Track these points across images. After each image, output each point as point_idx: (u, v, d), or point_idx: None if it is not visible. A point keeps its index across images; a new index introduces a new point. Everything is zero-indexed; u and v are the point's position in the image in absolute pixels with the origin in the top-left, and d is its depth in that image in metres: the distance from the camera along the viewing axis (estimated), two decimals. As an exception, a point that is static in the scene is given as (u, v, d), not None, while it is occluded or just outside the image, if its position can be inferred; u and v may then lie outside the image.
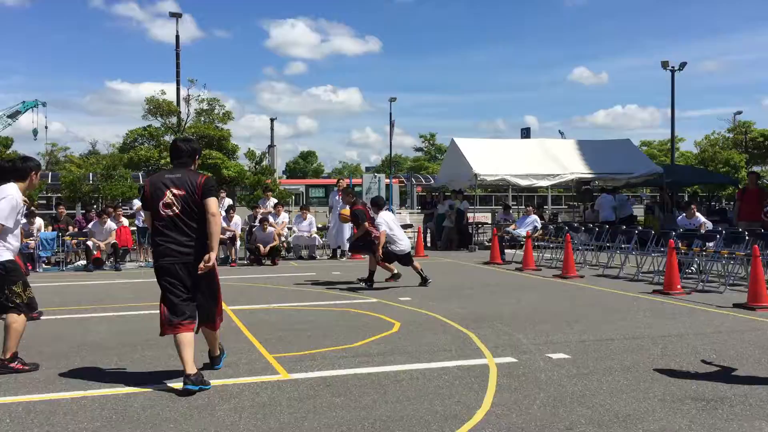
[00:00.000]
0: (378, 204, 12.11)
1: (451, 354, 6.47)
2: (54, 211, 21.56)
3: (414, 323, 8.09)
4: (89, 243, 15.46)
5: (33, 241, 15.46)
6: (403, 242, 11.98)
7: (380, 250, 11.53)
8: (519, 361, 6.15)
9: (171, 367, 5.93)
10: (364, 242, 11.92)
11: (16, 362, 5.82)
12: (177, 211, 5.46)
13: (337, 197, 18.01)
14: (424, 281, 11.71)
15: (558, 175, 20.89)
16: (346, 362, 6.13)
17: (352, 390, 5.23)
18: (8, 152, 30.00)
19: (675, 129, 31.73)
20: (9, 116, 63.66)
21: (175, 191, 5.47)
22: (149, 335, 7.34)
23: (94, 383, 5.45)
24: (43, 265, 15.60)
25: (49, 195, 39.83)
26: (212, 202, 5.49)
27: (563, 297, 10.41)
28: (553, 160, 21.43)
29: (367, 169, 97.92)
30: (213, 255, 5.49)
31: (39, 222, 16.21)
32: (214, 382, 5.43)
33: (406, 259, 11.94)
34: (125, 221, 16.93)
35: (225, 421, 4.53)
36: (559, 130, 74.91)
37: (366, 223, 11.83)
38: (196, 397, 5.05)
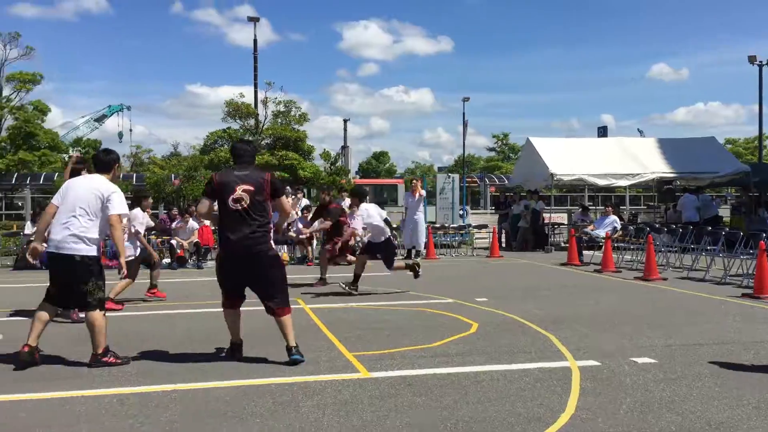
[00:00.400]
0: (358, 194, 11.39)
1: (531, 356, 6.38)
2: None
3: (491, 324, 8.02)
4: (173, 242, 15.98)
5: (120, 240, 16.08)
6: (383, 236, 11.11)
7: (335, 248, 11.00)
8: (602, 365, 6.01)
9: (255, 363, 6.08)
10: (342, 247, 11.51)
11: (108, 356, 6.06)
12: (246, 205, 5.88)
13: (410, 197, 18.06)
14: (415, 273, 11.00)
15: (638, 174, 20.33)
16: (425, 362, 6.13)
17: (433, 390, 5.24)
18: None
19: (763, 126, 30.35)
20: (96, 120, 66.51)
21: (244, 187, 5.91)
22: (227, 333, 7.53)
23: (182, 377, 5.64)
24: (130, 262, 16.21)
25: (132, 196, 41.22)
26: (285, 201, 6.15)
27: (645, 299, 10.12)
28: (632, 159, 20.86)
29: (440, 169, 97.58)
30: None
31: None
32: (295, 379, 5.53)
33: (386, 253, 11.08)
34: (207, 221, 17.42)
35: (309, 417, 4.61)
36: (638, 129, 72.60)
37: (341, 219, 11.57)
38: (279, 393, 5.15)
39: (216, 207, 6.08)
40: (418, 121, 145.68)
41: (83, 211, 6.03)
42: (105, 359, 6.03)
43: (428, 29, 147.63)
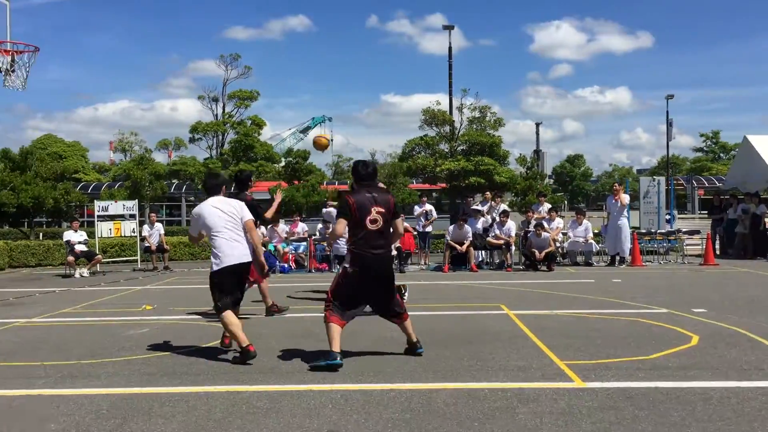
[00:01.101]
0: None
1: (765, 373, 5.86)
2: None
3: (715, 337, 7.46)
4: (376, 246, 16.61)
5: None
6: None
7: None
8: None
9: (471, 368, 6.15)
10: None
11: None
12: (380, 225, 6.33)
13: (613, 201, 17.33)
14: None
15: None
16: (643, 374, 5.85)
17: (656, 404, 4.98)
18: (306, 163, 33.47)
19: None
20: (301, 131, 70.86)
21: (378, 209, 6.33)
22: (442, 335, 7.71)
23: (399, 376, 5.85)
24: (337, 265, 17.10)
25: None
26: (400, 222, 6.70)
27: None
28: None
29: (639, 172, 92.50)
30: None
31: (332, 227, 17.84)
32: (508, 385, 5.52)
33: None
34: (408, 226, 17.94)
35: (527, 424, 4.58)
36: None
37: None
38: (494, 398, 5.17)
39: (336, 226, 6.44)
40: (615, 122, 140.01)
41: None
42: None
43: (625, 25, 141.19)
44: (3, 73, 8.36)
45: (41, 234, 25.39)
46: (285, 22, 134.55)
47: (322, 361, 6.19)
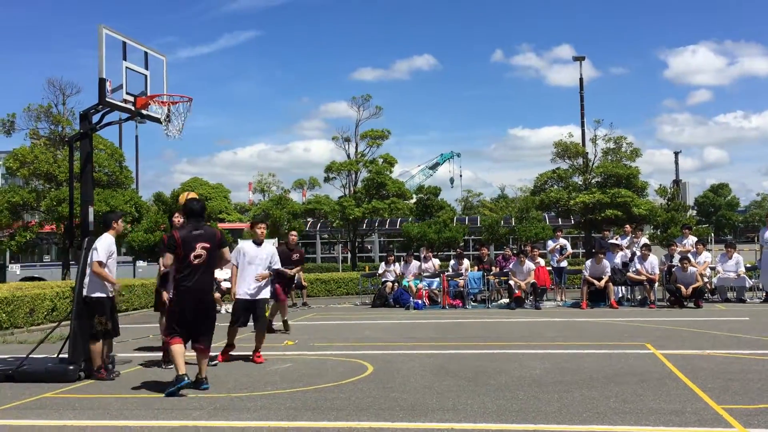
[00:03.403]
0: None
1: None
2: (477, 252, 23.32)
3: None
4: (511, 282, 16.37)
5: (462, 280, 17.00)
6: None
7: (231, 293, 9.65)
8: None
9: (618, 410, 5.90)
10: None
11: (100, 372, 7.87)
12: (203, 259, 7.27)
13: (767, 233, 16.18)
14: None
15: None
16: (814, 422, 5.37)
17: (832, 455, 4.56)
18: (437, 199, 33.72)
19: None
20: (430, 168, 71.53)
21: (203, 245, 7.26)
22: (585, 374, 7.45)
23: (542, 417, 5.70)
24: (471, 302, 17.00)
25: (466, 237, 43.23)
26: (226, 251, 7.58)
27: None
28: None
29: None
30: None
31: (466, 263, 17.77)
32: (663, 430, 5.24)
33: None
34: (542, 261, 17.56)
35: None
36: None
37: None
38: (646, 443, 4.92)
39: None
40: (763, 149, 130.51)
41: None
42: (97, 373, 7.96)
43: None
44: (162, 123, 9.02)
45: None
46: (411, 62, 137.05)
47: (171, 387, 6.86)
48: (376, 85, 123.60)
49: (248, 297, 8.99)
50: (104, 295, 7.96)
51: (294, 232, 12.99)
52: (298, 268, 12.71)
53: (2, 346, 11.30)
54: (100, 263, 7.83)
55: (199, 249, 7.14)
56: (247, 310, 9.06)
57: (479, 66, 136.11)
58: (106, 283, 7.94)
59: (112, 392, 7.22)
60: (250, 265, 9.01)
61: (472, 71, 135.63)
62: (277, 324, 12.15)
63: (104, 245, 7.93)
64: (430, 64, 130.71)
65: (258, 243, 9.22)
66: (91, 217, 8.69)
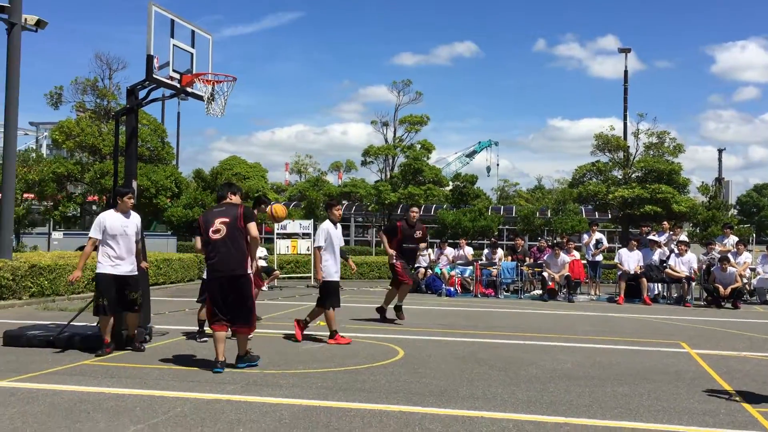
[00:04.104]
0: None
1: None
2: (512, 242, 23.21)
3: None
4: (545, 274, 16.28)
5: (495, 269, 16.94)
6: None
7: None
8: None
9: (651, 407, 5.86)
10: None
11: (108, 347, 7.77)
12: (223, 234, 7.17)
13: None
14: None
15: None
16: None
17: None
18: (474, 187, 33.56)
19: None
20: (467, 155, 71.25)
21: (222, 219, 7.16)
22: (618, 370, 7.40)
23: (573, 411, 5.69)
24: (504, 292, 16.95)
25: (501, 227, 42.96)
26: (251, 226, 7.21)
27: None
28: None
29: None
30: None
31: (500, 252, 17.70)
32: (695, 429, 5.20)
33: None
34: (577, 254, 17.41)
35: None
36: None
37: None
38: (677, 442, 4.88)
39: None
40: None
41: None
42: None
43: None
44: (205, 101, 9.13)
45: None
46: (452, 48, 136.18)
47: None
48: (416, 71, 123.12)
49: (338, 278, 9.11)
50: (100, 272, 7.76)
51: (415, 208, 11.92)
52: (424, 244, 12.63)
53: (44, 313, 11.63)
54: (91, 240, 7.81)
55: (217, 224, 7.06)
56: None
57: (521, 55, 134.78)
58: (99, 260, 7.79)
59: (149, 363, 7.39)
60: (337, 246, 9.10)
61: (514, 60, 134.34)
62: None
63: (95, 222, 7.90)
64: (472, 51, 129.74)
65: (335, 223, 9.23)
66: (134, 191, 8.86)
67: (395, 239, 10.99)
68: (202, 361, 7.54)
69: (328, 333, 9.03)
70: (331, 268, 8.96)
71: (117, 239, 7.73)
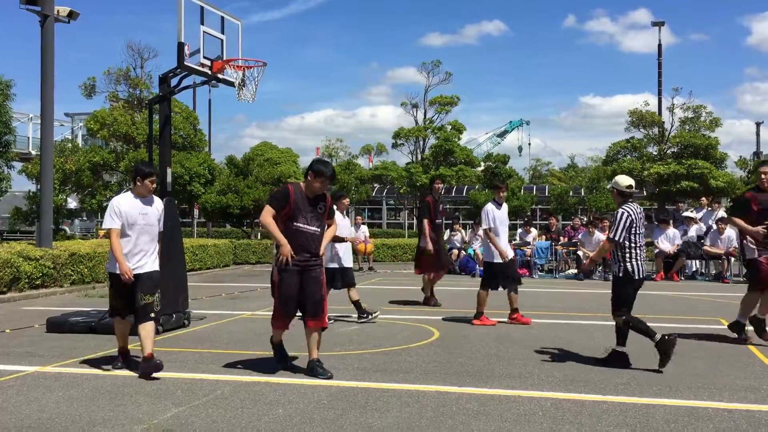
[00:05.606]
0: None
1: None
2: (546, 222, 23.05)
3: None
4: (579, 253, 16.14)
5: (529, 249, 16.84)
6: None
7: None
8: None
9: (691, 385, 5.81)
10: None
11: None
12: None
13: None
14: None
15: None
16: None
17: None
18: (506, 167, 33.29)
19: None
20: (498, 135, 70.59)
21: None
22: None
23: (611, 389, 5.65)
24: (538, 271, 16.85)
25: (534, 207, 42.65)
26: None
27: None
28: None
29: None
30: None
31: (534, 232, 17.59)
32: (734, 406, 5.13)
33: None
34: (612, 233, 17.23)
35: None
36: None
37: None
38: (720, 419, 4.82)
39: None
40: None
41: None
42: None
43: None
44: (236, 87, 9.18)
45: (260, 234, 27.58)
46: (480, 27, 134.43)
47: None
48: (445, 51, 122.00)
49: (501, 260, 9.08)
50: (113, 271, 6.28)
51: (438, 180, 11.58)
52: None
53: (85, 300, 11.88)
54: (111, 232, 6.23)
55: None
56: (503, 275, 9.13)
57: (550, 32, 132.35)
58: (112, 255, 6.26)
59: (188, 347, 7.51)
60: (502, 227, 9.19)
61: (543, 37, 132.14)
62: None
63: (109, 210, 6.32)
64: (500, 30, 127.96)
65: (499, 206, 9.34)
66: (169, 178, 8.98)
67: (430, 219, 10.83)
68: (240, 343, 7.64)
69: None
70: (497, 249, 9.03)
71: (134, 229, 6.23)
